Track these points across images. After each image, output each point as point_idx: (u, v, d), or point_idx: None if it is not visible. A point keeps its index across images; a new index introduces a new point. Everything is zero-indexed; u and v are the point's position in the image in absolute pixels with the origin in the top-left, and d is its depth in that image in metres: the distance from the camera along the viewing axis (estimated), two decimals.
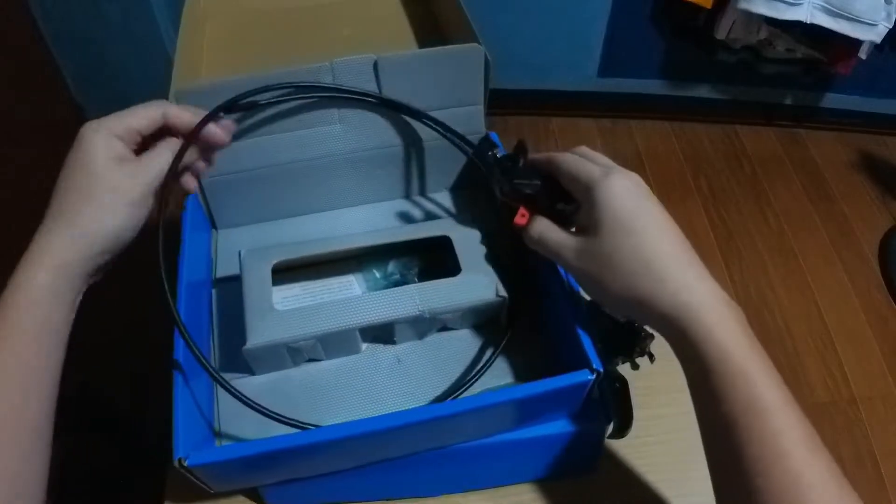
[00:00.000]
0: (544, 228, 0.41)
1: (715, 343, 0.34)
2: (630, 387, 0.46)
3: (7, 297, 0.36)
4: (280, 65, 0.47)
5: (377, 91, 0.49)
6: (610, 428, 0.44)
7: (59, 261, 0.38)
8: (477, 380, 0.43)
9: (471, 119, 0.52)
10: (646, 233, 0.37)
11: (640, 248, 0.37)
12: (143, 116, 0.42)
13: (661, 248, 0.37)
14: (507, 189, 0.43)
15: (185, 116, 0.42)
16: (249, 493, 0.47)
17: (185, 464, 0.35)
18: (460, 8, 0.53)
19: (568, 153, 0.42)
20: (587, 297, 0.42)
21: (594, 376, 0.38)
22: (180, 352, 0.40)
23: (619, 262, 0.37)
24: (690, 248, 0.38)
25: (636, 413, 0.46)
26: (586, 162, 0.40)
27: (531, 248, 0.42)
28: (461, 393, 0.42)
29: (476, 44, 0.48)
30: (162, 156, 0.41)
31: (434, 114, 0.50)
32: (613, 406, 0.43)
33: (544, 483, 0.50)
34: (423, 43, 0.58)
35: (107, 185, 0.39)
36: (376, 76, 0.48)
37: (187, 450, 0.35)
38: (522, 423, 0.43)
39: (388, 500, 0.48)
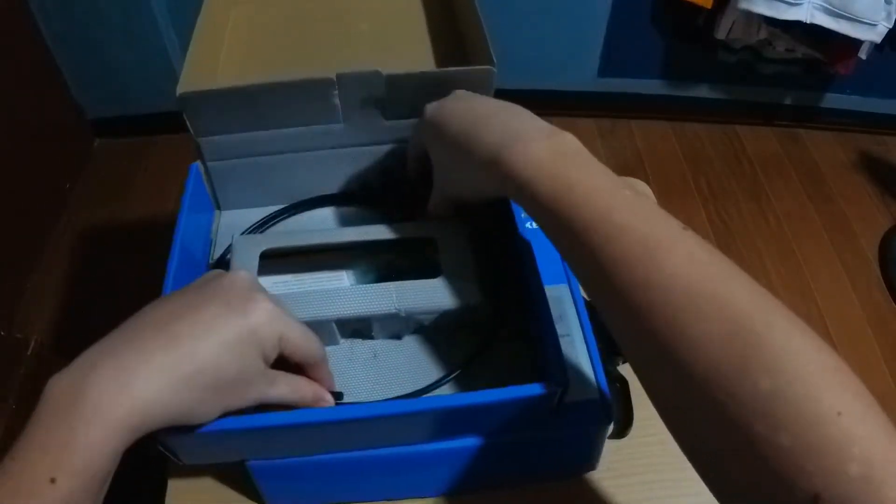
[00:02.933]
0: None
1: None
2: (630, 387, 0.46)
3: (69, 454, 0.27)
4: (293, 66, 0.47)
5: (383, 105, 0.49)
6: (610, 428, 0.44)
7: (145, 420, 0.29)
8: (445, 383, 0.43)
9: None
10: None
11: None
12: (307, 351, 0.37)
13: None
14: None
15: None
16: (250, 493, 0.47)
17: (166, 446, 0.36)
18: (475, 12, 0.52)
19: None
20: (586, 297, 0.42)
21: (551, 391, 0.37)
22: None
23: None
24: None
25: (636, 413, 0.46)
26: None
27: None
28: (425, 393, 0.43)
29: (490, 66, 0.48)
30: (299, 388, 0.37)
31: None
32: (613, 406, 0.43)
33: (544, 483, 0.50)
34: (438, 39, 0.58)
35: (244, 392, 0.33)
36: (384, 89, 0.48)
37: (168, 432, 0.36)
38: (488, 428, 0.43)
39: (388, 500, 0.48)
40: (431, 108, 0.45)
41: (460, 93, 0.46)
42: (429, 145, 0.45)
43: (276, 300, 0.35)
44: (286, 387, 0.36)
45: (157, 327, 0.31)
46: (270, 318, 0.33)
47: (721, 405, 0.26)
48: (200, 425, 0.33)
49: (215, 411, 0.33)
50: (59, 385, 0.29)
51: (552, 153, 0.35)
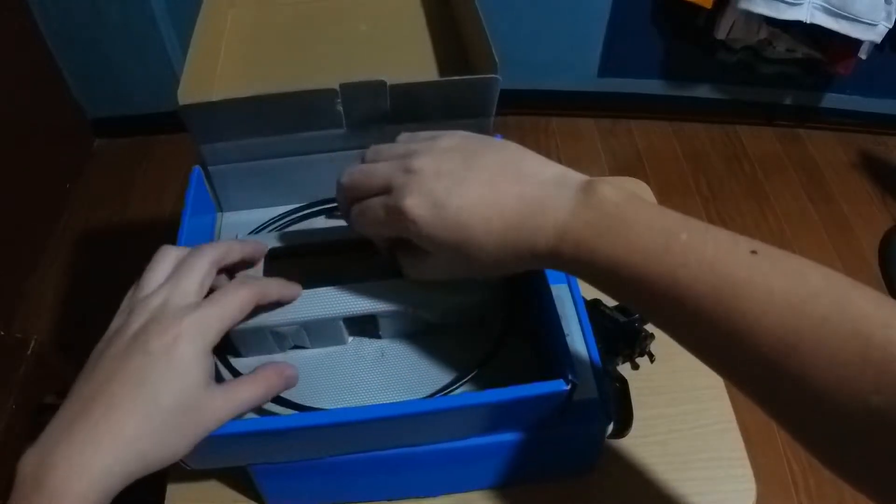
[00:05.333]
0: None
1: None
2: (630, 387, 0.46)
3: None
4: (294, 69, 0.46)
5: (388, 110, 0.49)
6: (610, 428, 0.44)
7: (107, 484, 0.30)
8: (463, 384, 0.43)
9: (479, 126, 0.52)
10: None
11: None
12: (242, 312, 0.37)
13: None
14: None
15: (235, 253, 0.40)
16: (250, 493, 0.47)
17: None
18: (476, 13, 0.52)
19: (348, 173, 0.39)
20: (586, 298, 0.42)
21: (571, 386, 0.38)
22: None
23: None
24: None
25: (636, 413, 0.46)
26: (371, 173, 0.37)
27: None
28: (438, 394, 0.43)
29: (494, 75, 0.48)
30: (257, 382, 0.37)
31: (442, 122, 0.50)
32: (613, 406, 0.43)
33: (544, 483, 0.50)
34: (439, 41, 0.58)
35: (198, 417, 0.33)
36: (386, 98, 0.48)
37: None
38: (500, 427, 0.43)
39: (388, 500, 0.48)
40: (415, 207, 0.34)
41: (425, 167, 0.35)
42: (425, 245, 0.36)
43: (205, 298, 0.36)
44: (246, 390, 0.36)
45: (97, 391, 0.32)
46: (195, 336, 0.33)
47: None
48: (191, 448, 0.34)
49: (183, 446, 0.33)
50: (27, 465, 0.30)
51: (619, 220, 0.31)
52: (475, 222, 0.33)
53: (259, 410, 0.41)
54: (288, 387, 0.39)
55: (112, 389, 0.31)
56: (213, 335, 0.34)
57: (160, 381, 0.32)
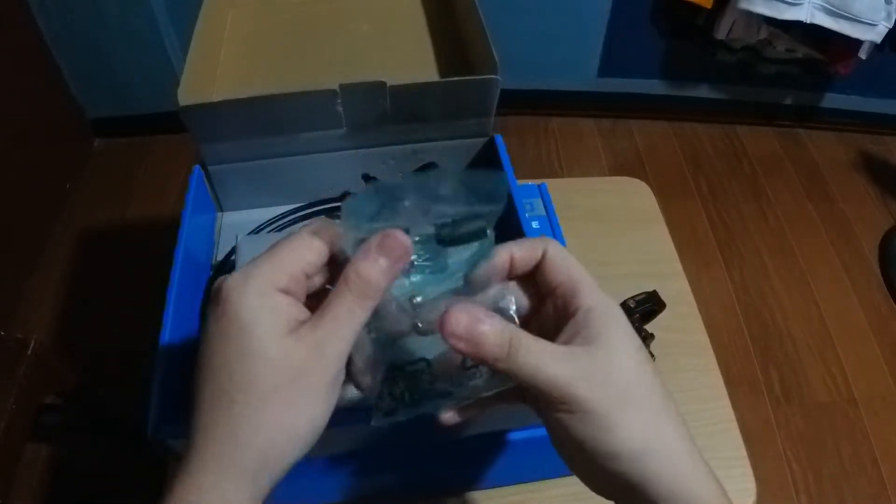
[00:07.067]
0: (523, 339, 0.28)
1: None
2: None
3: None
4: (294, 69, 0.46)
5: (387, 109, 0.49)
6: None
7: (234, 499, 0.26)
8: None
9: (479, 126, 0.52)
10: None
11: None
12: (311, 251, 0.28)
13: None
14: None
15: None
16: None
17: (157, 437, 0.37)
18: (477, 14, 0.52)
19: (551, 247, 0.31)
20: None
21: None
22: (167, 329, 0.40)
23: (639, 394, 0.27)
24: None
25: None
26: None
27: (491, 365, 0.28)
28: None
29: (494, 76, 0.48)
30: (354, 307, 0.27)
31: (442, 123, 0.50)
32: None
33: (544, 482, 0.50)
34: (439, 41, 0.58)
35: (294, 374, 0.26)
36: (386, 98, 0.48)
37: (158, 424, 0.37)
38: (497, 424, 0.43)
39: (387, 499, 0.48)
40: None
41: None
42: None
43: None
44: (355, 298, 0.27)
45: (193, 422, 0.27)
46: (240, 285, 0.26)
47: None
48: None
49: (322, 404, 0.27)
50: None
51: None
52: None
53: None
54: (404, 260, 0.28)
55: (193, 412, 0.26)
56: (266, 275, 0.27)
57: (216, 351, 0.26)
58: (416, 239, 0.29)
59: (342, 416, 0.39)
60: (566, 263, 0.30)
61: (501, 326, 0.28)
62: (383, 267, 0.27)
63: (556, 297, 0.30)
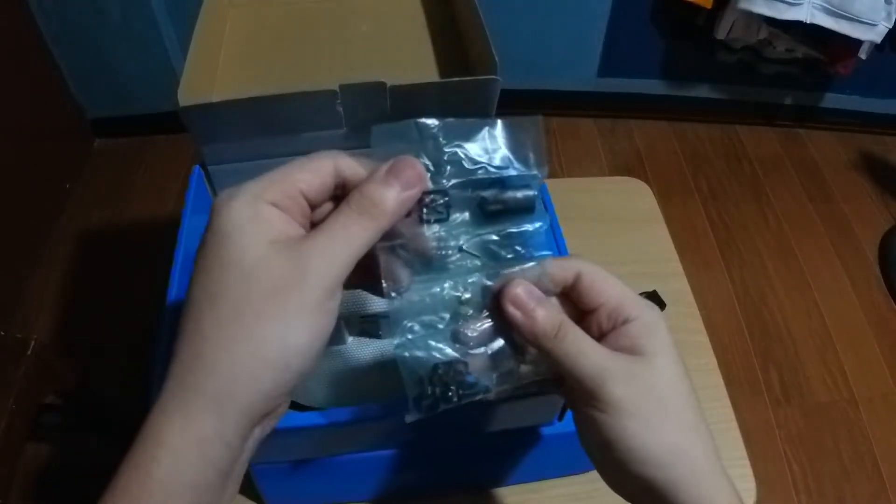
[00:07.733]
0: (576, 333, 0.28)
1: None
2: None
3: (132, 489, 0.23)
4: (294, 69, 0.46)
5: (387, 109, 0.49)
6: None
7: (202, 433, 0.23)
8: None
9: None
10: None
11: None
12: (309, 171, 0.27)
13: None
14: None
15: (362, 171, 0.28)
16: (251, 493, 0.47)
17: None
18: (477, 14, 0.52)
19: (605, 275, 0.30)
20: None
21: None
22: (167, 329, 0.40)
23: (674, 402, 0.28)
24: None
25: None
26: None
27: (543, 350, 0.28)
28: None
29: (494, 76, 0.48)
30: (351, 224, 0.25)
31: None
32: None
33: (544, 482, 0.50)
34: (439, 41, 0.58)
35: (269, 285, 0.24)
36: (385, 98, 0.48)
37: None
38: (497, 426, 0.43)
39: (387, 499, 0.48)
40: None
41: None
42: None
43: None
44: (358, 215, 0.25)
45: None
46: (231, 196, 0.25)
47: None
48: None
49: (301, 329, 0.24)
50: None
51: None
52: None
53: None
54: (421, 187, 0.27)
55: (180, 325, 0.25)
56: (255, 188, 0.25)
57: (209, 263, 0.24)
58: (451, 184, 0.29)
59: (342, 414, 0.39)
60: (608, 283, 0.30)
61: (557, 309, 0.29)
62: (391, 188, 0.26)
63: (600, 315, 0.30)
